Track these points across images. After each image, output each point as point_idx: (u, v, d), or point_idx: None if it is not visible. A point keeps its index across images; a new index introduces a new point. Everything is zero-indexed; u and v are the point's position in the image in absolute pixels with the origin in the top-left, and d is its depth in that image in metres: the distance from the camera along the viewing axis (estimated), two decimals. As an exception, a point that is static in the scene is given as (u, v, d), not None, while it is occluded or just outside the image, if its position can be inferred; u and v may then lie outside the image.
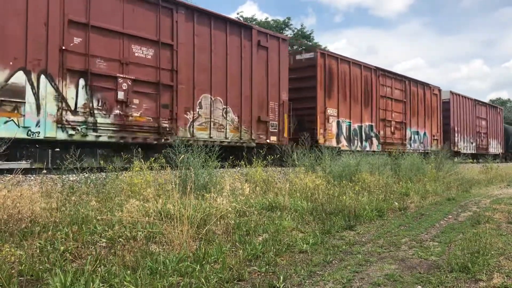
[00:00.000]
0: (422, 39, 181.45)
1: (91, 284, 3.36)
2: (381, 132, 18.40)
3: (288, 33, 37.29)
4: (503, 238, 5.83)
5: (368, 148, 17.23)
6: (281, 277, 3.92)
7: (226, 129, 11.89)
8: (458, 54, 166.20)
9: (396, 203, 8.70)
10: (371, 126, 17.78)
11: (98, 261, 3.85)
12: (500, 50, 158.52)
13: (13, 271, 3.56)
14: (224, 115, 11.84)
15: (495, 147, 31.27)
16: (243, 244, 4.85)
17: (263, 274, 4.10)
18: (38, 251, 4.09)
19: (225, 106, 11.86)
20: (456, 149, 24.45)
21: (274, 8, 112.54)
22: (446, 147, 22.00)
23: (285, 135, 13.68)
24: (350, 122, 16.46)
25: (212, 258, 4.29)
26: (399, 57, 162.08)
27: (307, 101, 15.15)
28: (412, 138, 20.77)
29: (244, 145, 12.13)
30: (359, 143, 16.92)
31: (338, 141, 15.81)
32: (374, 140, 17.88)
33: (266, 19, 38.30)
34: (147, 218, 5.14)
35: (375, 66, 18.41)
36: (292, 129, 14.50)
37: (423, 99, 21.81)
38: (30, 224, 4.80)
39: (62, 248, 4.12)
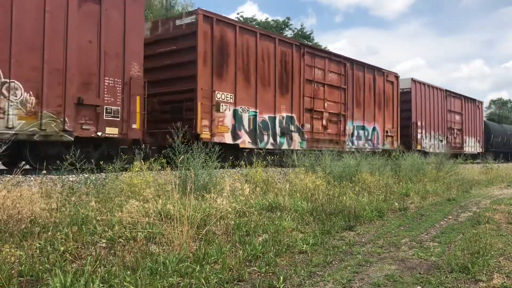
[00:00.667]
0: (422, 39, 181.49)
1: (91, 284, 3.36)
2: (307, 126, 14.60)
3: (288, 33, 37.31)
4: (503, 239, 5.84)
5: (285, 146, 13.63)
6: (281, 278, 3.92)
7: (8, 114, 7.89)
8: (458, 54, 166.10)
9: (396, 204, 8.70)
10: (291, 117, 13.98)
11: (98, 262, 3.85)
12: (500, 51, 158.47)
13: (13, 271, 3.55)
14: (6, 94, 7.90)
15: (472, 146, 27.26)
16: (243, 245, 4.85)
17: (263, 274, 4.10)
18: (38, 251, 4.09)
19: (6, 80, 7.90)
20: (419, 147, 20.51)
21: (274, 8, 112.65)
22: (405, 145, 19.44)
23: (137, 126, 9.77)
24: (255, 112, 12.69)
25: (212, 258, 4.29)
26: (399, 57, 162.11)
27: (187, 82, 11.39)
28: (356, 134, 16.92)
29: (51, 139, 8.40)
30: (271, 140, 13.24)
31: (235, 137, 12.06)
32: (296, 136, 14.13)
33: (266, 19, 38.37)
34: (147, 218, 5.14)
35: (299, 42, 14.94)
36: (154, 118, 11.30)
37: (372, 86, 17.86)
38: (30, 225, 4.80)
39: (62, 248, 4.12)
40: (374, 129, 18.00)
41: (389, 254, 5.03)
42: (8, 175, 6.81)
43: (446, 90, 24.27)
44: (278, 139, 13.56)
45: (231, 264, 4.18)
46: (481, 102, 29.49)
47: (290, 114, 14.07)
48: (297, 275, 4.13)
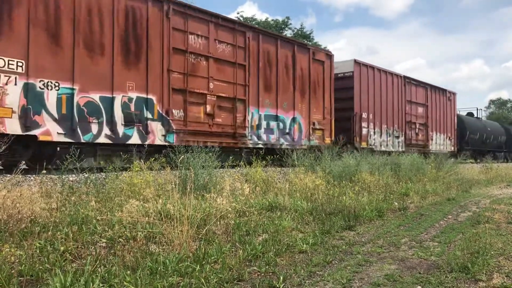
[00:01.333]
0: (422, 39, 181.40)
1: (91, 284, 3.36)
2: (177, 113, 10.73)
3: (288, 33, 37.30)
4: (502, 238, 5.84)
5: (135, 140, 9.79)
6: (281, 277, 3.93)
7: None
8: (458, 54, 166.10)
9: (396, 203, 8.71)
10: (146, 100, 10.05)
11: (98, 261, 3.85)
12: (500, 50, 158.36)
13: (13, 271, 3.56)
14: None
15: (441, 144, 23.15)
16: (243, 244, 4.86)
17: (263, 274, 4.11)
18: (38, 251, 4.09)
19: None
20: (365, 144, 16.92)
21: (274, 8, 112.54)
22: (346, 141, 15.54)
23: None
24: (72, 89, 8.83)
25: (212, 258, 4.29)
26: (399, 57, 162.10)
27: None
28: (264, 126, 12.94)
29: None
30: (107, 130, 9.32)
31: (29, 124, 8.22)
32: (156, 126, 10.25)
33: (266, 19, 38.38)
34: (147, 218, 5.15)
35: None
36: None
37: (291, 66, 13.98)
38: (30, 224, 4.81)
39: (62, 248, 4.12)
40: (294, 120, 14.07)
41: (389, 254, 5.03)
42: (8, 175, 6.81)
43: (405, 77, 20.24)
44: (120, 129, 9.56)
45: (231, 264, 4.18)
46: (454, 93, 25.02)
47: (144, 95, 10.06)
48: (297, 274, 4.13)
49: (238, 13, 38.39)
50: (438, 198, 10.33)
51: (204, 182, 7.40)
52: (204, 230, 5.02)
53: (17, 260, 3.79)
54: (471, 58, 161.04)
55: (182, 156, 6.93)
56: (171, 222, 4.81)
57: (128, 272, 3.70)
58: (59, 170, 7.22)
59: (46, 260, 3.89)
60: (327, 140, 15.23)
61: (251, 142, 12.53)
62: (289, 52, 14.05)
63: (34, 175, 7.24)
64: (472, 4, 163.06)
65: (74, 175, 7.21)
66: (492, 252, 4.97)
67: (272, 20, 38.47)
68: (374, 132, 17.79)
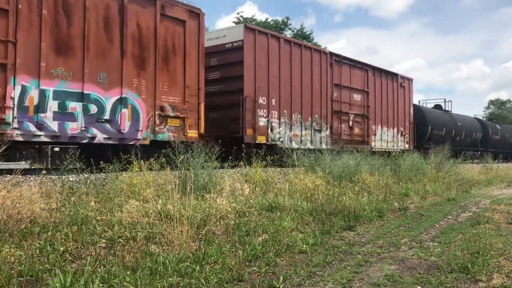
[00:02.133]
0: (422, 39, 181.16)
1: (91, 284, 3.36)
2: None
3: (288, 33, 37.33)
4: (502, 239, 5.84)
5: None
6: (281, 278, 3.92)
7: None
8: (458, 54, 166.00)
9: (396, 204, 8.71)
10: None
11: (97, 262, 3.85)
12: (500, 50, 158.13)
13: (13, 271, 3.55)
14: None
15: (389, 140, 18.63)
16: (243, 245, 4.85)
17: (262, 274, 4.10)
18: (37, 251, 4.10)
19: None
20: (263, 139, 12.85)
21: (273, 9, 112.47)
22: (232, 135, 12.27)
23: None
24: None
25: (212, 258, 4.29)
26: (399, 57, 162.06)
27: None
28: (54, 108, 8.47)
29: None
30: None
31: None
32: None
33: (266, 19, 38.41)
34: (146, 218, 5.14)
35: None
36: None
37: (117, 20, 9.50)
38: (29, 225, 4.80)
39: (62, 248, 4.12)
40: (122, 101, 9.58)
41: (389, 254, 5.03)
42: (8, 175, 6.81)
43: (333, 54, 15.84)
44: None
45: (231, 264, 4.18)
46: (409, 79, 20.32)
47: None
48: (297, 275, 4.13)
49: (238, 14, 38.43)
50: (438, 199, 10.33)
51: (204, 182, 7.39)
52: (204, 230, 5.02)
53: (17, 261, 3.79)
54: (471, 58, 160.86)
55: (182, 156, 6.93)
56: (171, 223, 4.81)
57: (128, 272, 3.70)
58: (59, 170, 7.22)
59: (46, 260, 3.89)
60: (192, 133, 10.93)
61: (20, 132, 8.09)
62: (112, 1, 9.42)
63: (34, 175, 7.24)
64: (472, 4, 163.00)
65: (74, 175, 7.21)
66: (492, 253, 4.97)
67: (272, 20, 38.52)
68: (280, 124, 13.55)
